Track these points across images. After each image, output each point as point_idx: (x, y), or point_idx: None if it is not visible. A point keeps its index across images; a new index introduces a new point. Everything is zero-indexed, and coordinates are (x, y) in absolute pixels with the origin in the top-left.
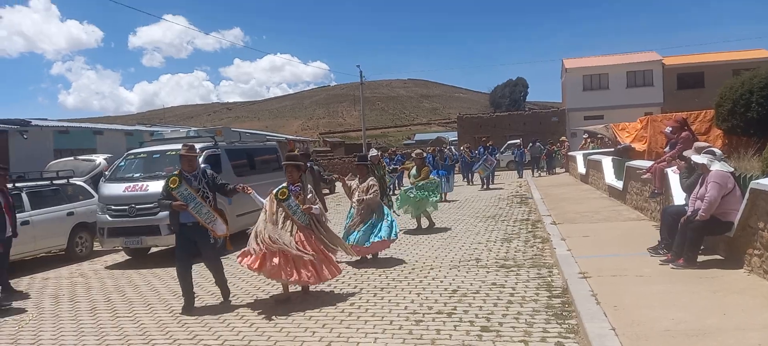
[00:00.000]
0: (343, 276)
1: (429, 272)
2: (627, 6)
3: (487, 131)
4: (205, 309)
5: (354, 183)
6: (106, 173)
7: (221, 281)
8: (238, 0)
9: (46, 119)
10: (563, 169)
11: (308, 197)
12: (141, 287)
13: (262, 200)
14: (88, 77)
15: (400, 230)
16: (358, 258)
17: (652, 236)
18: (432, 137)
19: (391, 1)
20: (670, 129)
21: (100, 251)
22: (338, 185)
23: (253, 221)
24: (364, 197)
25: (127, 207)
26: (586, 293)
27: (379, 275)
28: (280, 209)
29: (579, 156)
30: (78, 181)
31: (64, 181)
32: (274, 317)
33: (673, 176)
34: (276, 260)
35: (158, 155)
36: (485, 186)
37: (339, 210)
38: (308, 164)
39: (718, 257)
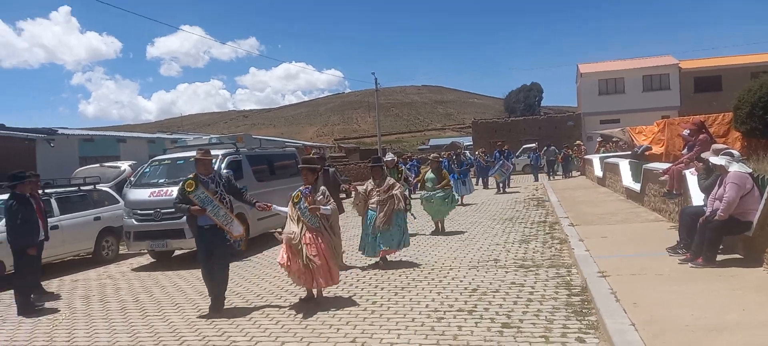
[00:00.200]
0: (364, 277)
1: (448, 272)
2: (642, 9)
3: (502, 136)
4: (234, 309)
5: (368, 185)
6: (132, 179)
7: (221, 291)
8: (253, 10)
9: (71, 128)
10: (579, 173)
11: (318, 198)
12: (168, 288)
13: (284, 209)
14: (107, 87)
15: (415, 234)
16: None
17: (671, 236)
18: (446, 142)
19: (403, 8)
20: (688, 132)
21: (125, 254)
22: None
23: (273, 224)
24: (395, 193)
25: (152, 212)
26: (605, 291)
27: (399, 276)
28: (296, 211)
29: (595, 159)
30: (104, 187)
31: (90, 187)
32: (300, 316)
33: (691, 178)
34: (299, 264)
35: (182, 161)
36: (501, 190)
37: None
38: (325, 168)
39: (737, 256)
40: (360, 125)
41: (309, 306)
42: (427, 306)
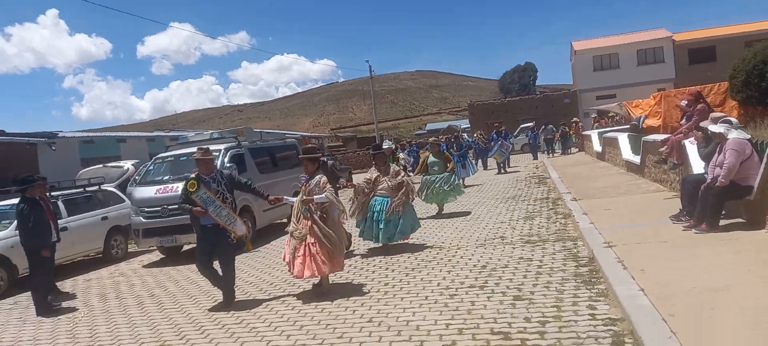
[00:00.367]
0: (373, 260)
1: (456, 252)
2: None
3: (499, 117)
4: (251, 298)
5: (373, 174)
6: (136, 177)
7: (229, 285)
8: (242, 3)
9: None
10: (577, 149)
11: (310, 187)
12: (181, 282)
13: (293, 200)
14: (99, 88)
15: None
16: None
17: (673, 205)
18: (443, 126)
19: None
20: (686, 102)
21: (134, 252)
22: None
23: (278, 215)
24: (406, 179)
25: (159, 208)
26: (612, 261)
27: (408, 258)
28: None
29: (594, 134)
30: (109, 187)
31: (96, 188)
32: (315, 301)
33: (691, 147)
34: (300, 258)
35: (185, 158)
36: (502, 170)
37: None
38: (323, 159)
39: (739, 220)
40: (356, 114)
41: (323, 292)
42: (438, 284)
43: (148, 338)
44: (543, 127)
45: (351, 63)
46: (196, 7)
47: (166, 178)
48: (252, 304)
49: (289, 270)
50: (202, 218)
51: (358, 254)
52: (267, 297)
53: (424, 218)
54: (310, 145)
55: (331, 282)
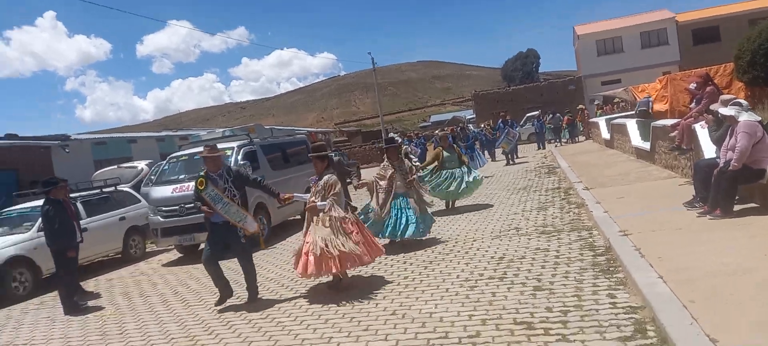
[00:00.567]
0: (390, 255)
1: (473, 244)
2: None
3: (504, 106)
4: (274, 294)
5: (388, 171)
6: (152, 177)
7: (251, 280)
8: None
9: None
10: (585, 137)
11: (318, 189)
12: (202, 280)
13: (305, 196)
14: (101, 90)
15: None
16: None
17: (686, 191)
18: (447, 117)
19: None
20: (695, 85)
21: (151, 252)
22: (363, 173)
23: (292, 211)
24: (414, 177)
25: (177, 207)
26: (629, 249)
27: (425, 251)
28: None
29: (602, 122)
30: (125, 187)
31: (112, 188)
32: (338, 295)
33: (701, 131)
34: (311, 259)
35: (198, 156)
36: (510, 161)
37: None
38: (331, 155)
39: (753, 204)
40: (359, 107)
41: (344, 286)
42: (457, 277)
43: (177, 334)
44: (551, 115)
45: (352, 55)
46: (193, 5)
47: (181, 176)
48: (275, 299)
49: (296, 268)
50: (213, 216)
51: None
52: (289, 292)
53: (436, 213)
54: (318, 142)
55: (349, 276)
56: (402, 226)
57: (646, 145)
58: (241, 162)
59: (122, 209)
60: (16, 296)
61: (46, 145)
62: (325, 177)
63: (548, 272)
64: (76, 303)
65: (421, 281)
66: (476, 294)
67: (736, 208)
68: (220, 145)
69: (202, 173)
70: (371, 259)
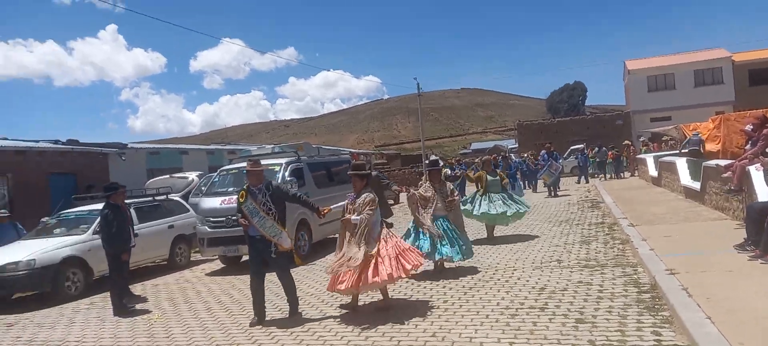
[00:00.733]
0: (429, 280)
1: (513, 273)
2: (689, 4)
3: (548, 137)
4: (318, 310)
5: (429, 191)
6: (202, 188)
7: (291, 294)
8: (292, 20)
9: (139, 142)
10: (629, 173)
11: (356, 204)
12: (244, 291)
13: (341, 205)
14: (153, 102)
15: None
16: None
17: (737, 234)
18: (489, 146)
19: (439, 13)
20: (751, 126)
21: (195, 260)
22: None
23: (333, 229)
24: (455, 199)
25: (224, 219)
26: (676, 287)
27: (465, 278)
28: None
29: (649, 159)
30: (175, 197)
31: (163, 197)
32: (380, 315)
33: (756, 173)
34: (345, 278)
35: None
36: (552, 193)
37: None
38: (370, 172)
39: None
40: (400, 131)
41: (383, 306)
42: (498, 304)
43: (222, 341)
44: (597, 149)
45: (396, 80)
46: (246, 23)
47: (229, 189)
48: (317, 314)
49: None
50: (250, 229)
51: (404, 279)
52: (331, 309)
53: (476, 241)
54: (359, 161)
55: (390, 297)
56: (445, 245)
57: (696, 185)
58: (288, 179)
59: (171, 218)
60: (68, 296)
61: (104, 152)
62: (364, 195)
63: (591, 305)
64: (124, 305)
65: (461, 306)
66: (517, 322)
67: None
68: (268, 161)
69: (244, 187)
70: (402, 275)
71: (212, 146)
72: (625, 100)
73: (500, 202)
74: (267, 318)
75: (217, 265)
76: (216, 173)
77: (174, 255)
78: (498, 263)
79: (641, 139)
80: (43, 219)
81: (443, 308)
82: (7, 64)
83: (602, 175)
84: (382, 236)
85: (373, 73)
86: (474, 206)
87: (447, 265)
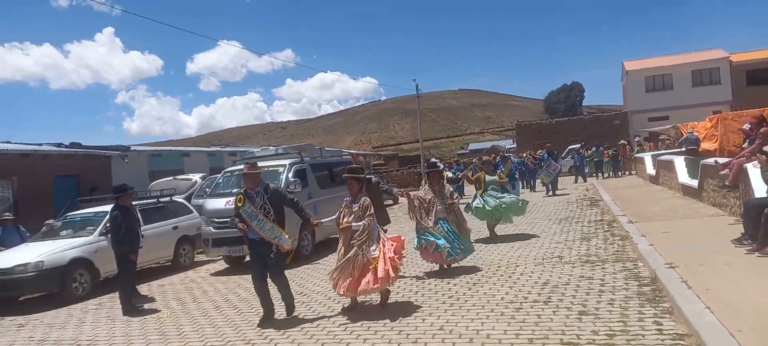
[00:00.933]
0: (434, 278)
1: (515, 269)
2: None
3: (546, 137)
4: (327, 308)
5: (428, 194)
6: (207, 189)
7: (285, 296)
8: (289, 21)
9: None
10: (627, 172)
11: (354, 209)
12: (251, 290)
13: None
14: (149, 104)
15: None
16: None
17: (734, 230)
18: (486, 146)
19: (437, 14)
20: (749, 125)
21: (199, 261)
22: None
23: (334, 230)
24: (454, 201)
25: (229, 219)
26: (676, 280)
27: (469, 274)
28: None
29: (647, 157)
30: (179, 198)
31: (168, 198)
32: (385, 311)
33: (753, 170)
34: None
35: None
36: (550, 192)
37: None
38: (369, 176)
39: None
40: (397, 132)
41: (389, 302)
42: (502, 299)
43: (233, 337)
44: (594, 149)
45: (393, 81)
46: (243, 25)
47: (234, 190)
48: (327, 311)
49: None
50: (249, 232)
51: (414, 276)
52: (339, 305)
53: (478, 240)
54: (356, 164)
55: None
56: (447, 246)
57: (694, 183)
58: (292, 179)
59: (175, 219)
60: (75, 297)
61: (107, 154)
62: (362, 199)
63: (593, 298)
64: (133, 305)
65: (467, 300)
66: (522, 315)
67: None
68: (272, 162)
69: (241, 190)
70: (390, 281)
71: (213, 148)
72: (623, 101)
73: (494, 198)
74: (276, 316)
75: (221, 265)
76: (220, 175)
77: (178, 256)
78: (500, 260)
79: (636, 139)
80: (47, 222)
81: (449, 303)
82: (3, 67)
83: (599, 173)
84: (381, 240)
85: (370, 74)
86: (472, 204)
87: (453, 265)
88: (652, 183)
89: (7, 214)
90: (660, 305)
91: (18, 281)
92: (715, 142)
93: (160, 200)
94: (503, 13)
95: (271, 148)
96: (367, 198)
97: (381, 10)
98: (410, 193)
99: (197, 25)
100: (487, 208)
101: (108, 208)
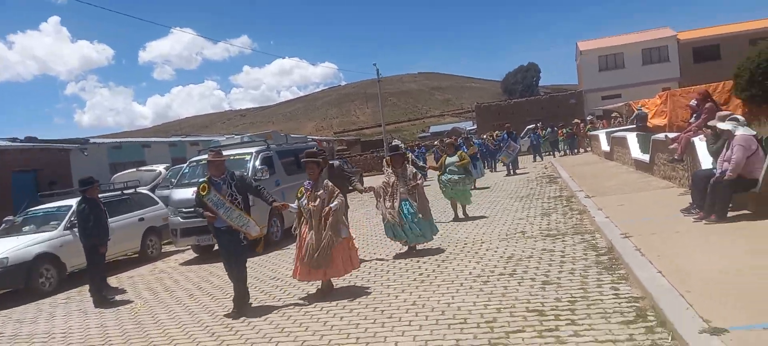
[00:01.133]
0: (403, 257)
1: (481, 245)
2: None
3: (505, 118)
4: (297, 295)
5: (391, 178)
6: (173, 180)
7: (241, 289)
8: (243, 7)
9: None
10: (582, 150)
11: (319, 193)
12: (223, 277)
13: (295, 207)
14: (101, 95)
15: (438, 222)
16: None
17: (683, 200)
18: (447, 129)
19: None
20: (695, 102)
21: (166, 252)
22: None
23: None
24: (417, 183)
25: (193, 209)
26: (630, 249)
27: (437, 252)
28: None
29: (602, 134)
30: (143, 189)
31: (132, 190)
32: (357, 292)
33: (700, 144)
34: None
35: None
36: (510, 172)
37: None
38: (332, 162)
39: (746, 212)
40: (359, 117)
41: (325, 292)
42: (470, 273)
43: (210, 322)
44: (548, 129)
45: (353, 66)
46: (197, 12)
47: (201, 180)
48: (301, 293)
49: (295, 275)
50: (216, 221)
51: (383, 258)
52: (313, 287)
53: (445, 221)
54: (316, 149)
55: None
56: (409, 233)
57: (646, 157)
58: (259, 166)
59: (141, 210)
60: (42, 292)
61: (66, 147)
62: (326, 183)
63: (555, 269)
64: (104, 297)
65: (437, 276)
66: (489, 287)
67: (730, 214)
68: (239, 150)
69: (204, 179)
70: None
71: (174, 138)
72: (578, 80)
73: (448, 174)
74: (252, 301)
75: (190, 255)
76: (185, 164)
77: (145, 247)
78: (466, 238)
79: (589, 118)
80: (7, 218)
81: (420, 280)
82: None
83: (555, 152)
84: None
85: (328, 59)
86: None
87: (418, 246)
88: (607, 159)
89: None
90: (616, 272)
91: None
92: (665, 118)
93: (125, 192)
94: None
95: (236, 137)
96: (330, 182)
97: None
98: (373, 186)
99: (148, 12)
100: (440, 186)
101: (70, 202)
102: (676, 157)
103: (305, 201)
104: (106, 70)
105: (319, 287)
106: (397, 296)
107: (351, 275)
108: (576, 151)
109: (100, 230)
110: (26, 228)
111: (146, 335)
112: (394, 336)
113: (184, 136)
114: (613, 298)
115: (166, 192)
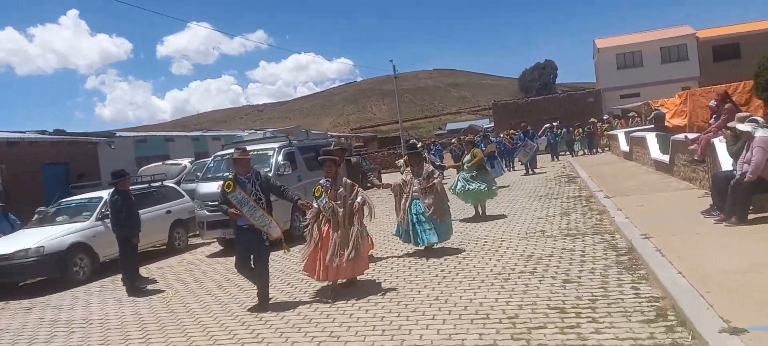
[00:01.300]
0: (424, 255)
1: (501, 244)
2: None
3: (522, 116)
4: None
5: (406, 175)
6: (198, 173)
7: (263, 289)
8: (259, 3)
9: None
10: (600, 150)
11: (339, 191)
12: None
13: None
14: (121, 89)
15: (454, 220)
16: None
17: (703, 202)
18: (463, 126)
19: None
20: (715, 102)
21: (192, 244)
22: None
23: None
24: (434, 182)
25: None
26: (650, 249)
27: (457, 250)
28: (318, 206)
29: (621, 134)
30: (170, 183)
31: (159, 183)
32: (382, 283)
33: (720, 145)
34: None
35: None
36: (529, 171)
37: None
38: (348, 158)
39: (766, 214)
40: (375, 113)
41: (385, 276)
42: (491, 270)
43: (242, 313)
44: (565, 130)
45: (368, 61)
46: (214, 7)
47: (226, 173)
48: (325, 290)
49: (312, 275)
50: (239, 219)
51: (404, 255)
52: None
53: (464, 219)
54: (334, 146)
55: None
56: (420, 234)
57: (665, 158)
58: (282, 162)
59: (168, 203)
60: (76, 280)
61: (93, 141)
62: (345, 180)
63: (575, 268)
64: (137, 286)
65: (458, 273)
66: (510, 284)
67: (750, 216)
68: (261, 146)
69: (230, 176)
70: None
71: (197, 133)
72: (596, 78)
73: (462, 181)
74: (278, 294)
75: (216, 247)
76: (210, 159)
77: (173, 239)
78: (486, 236)
79: (605, 118)
80: (39, 209)
81: (442, 276)
82: None
83: (571, 152)
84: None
85: (344, 55)
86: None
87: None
88: (626, 159)
89: None
90: (637, 272)
91: (19, 266)
92: (685, 118)
93: (152, 185)
94: None
95: (259, 132)
96: (348, 179)
97: None
98: (390, 183)
99: (165, 5)
100: (456, 191)
101: (101, 193)
102: (696, 158)
103: (325, 200)
104: (125, 64)
105: (343, 282)
106: (420, 292)
107: (373, 271)
108: (594, 151)
109: (132, 222)
110: (59, 218)
111: (180, 324)
112: (418, 329)
113: (205, 130)
114: (634, 297)
115: (191, 186)
